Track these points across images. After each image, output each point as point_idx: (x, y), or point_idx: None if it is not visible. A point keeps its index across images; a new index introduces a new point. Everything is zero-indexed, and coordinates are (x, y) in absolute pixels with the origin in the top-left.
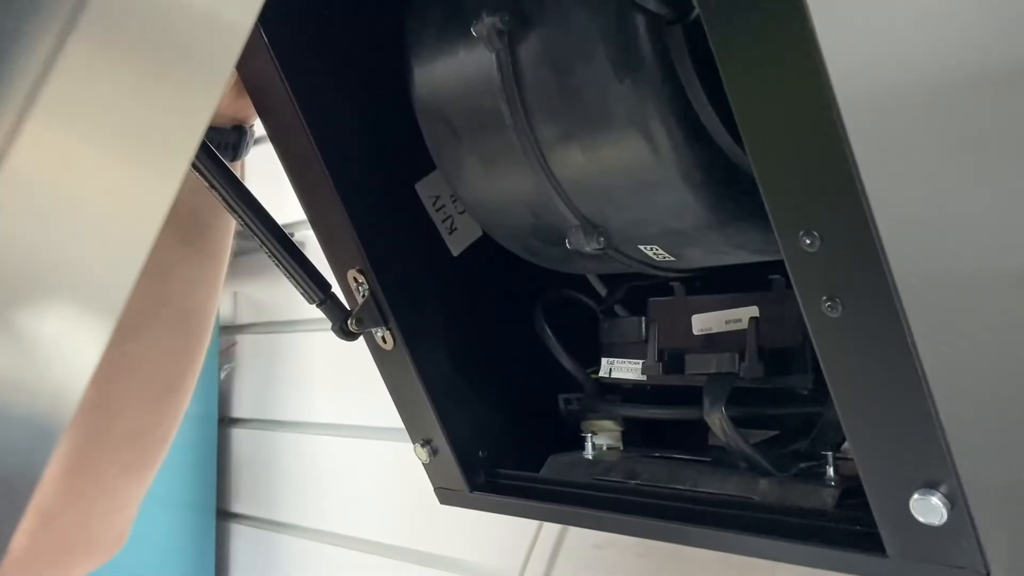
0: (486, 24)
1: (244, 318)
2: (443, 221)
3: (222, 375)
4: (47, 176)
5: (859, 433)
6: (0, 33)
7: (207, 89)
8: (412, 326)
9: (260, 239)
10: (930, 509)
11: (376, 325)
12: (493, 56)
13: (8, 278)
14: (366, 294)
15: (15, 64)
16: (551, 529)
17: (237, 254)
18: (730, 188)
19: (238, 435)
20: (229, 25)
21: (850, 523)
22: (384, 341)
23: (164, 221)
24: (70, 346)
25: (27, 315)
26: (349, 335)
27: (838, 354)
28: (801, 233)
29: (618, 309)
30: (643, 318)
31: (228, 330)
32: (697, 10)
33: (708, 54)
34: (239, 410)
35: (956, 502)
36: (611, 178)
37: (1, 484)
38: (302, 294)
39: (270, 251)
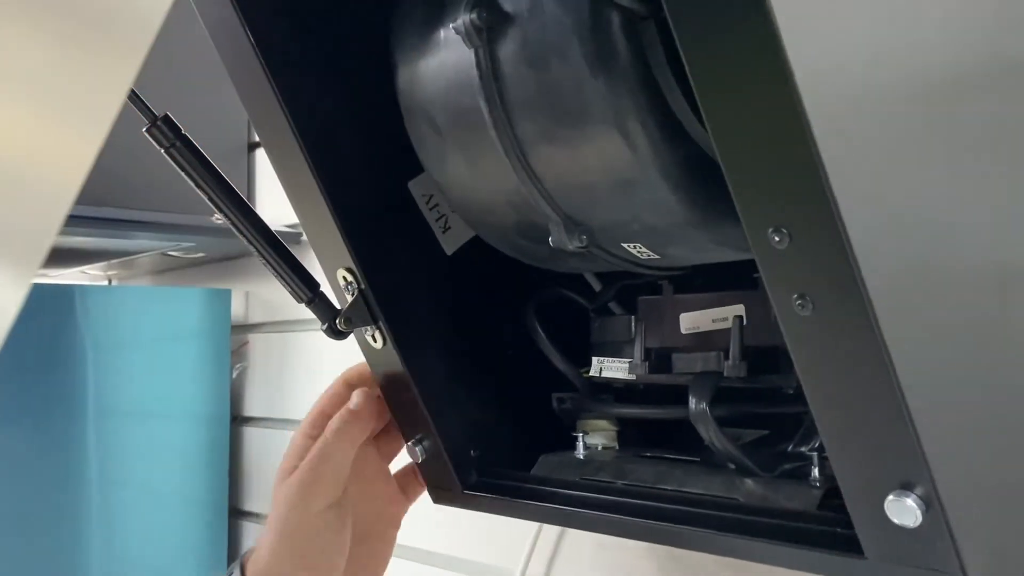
0: (465, 21)
1: (256, 317)
2: (436, 220)
3: (234, 374)
4: None
5: (833, 433)
6: None
7: (130, 50)
8: (402, 325)
9: (247, 238)
10: (904, 511)
11: (365, 324)
12: (472, 53)
13: None
14: (355, 293)
15: None
16: (552, 528)
17: (246, 254)
18: (709, 186)
19: (250, 433)
20: None
21: (831, 524)
22: (374, 340)
23: (82, 181)
24: None
25: None
26: (338, 334)
27: (809, 352)
28: (770, 230)
29: (613, 307)
30: (632, 317)
31: (240, 329)
32: (665, 7)
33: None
34: (251, 409)
35: (931, 504)
36: (590, 176)
37: None
38: (290, 293)
39: (257, 250)
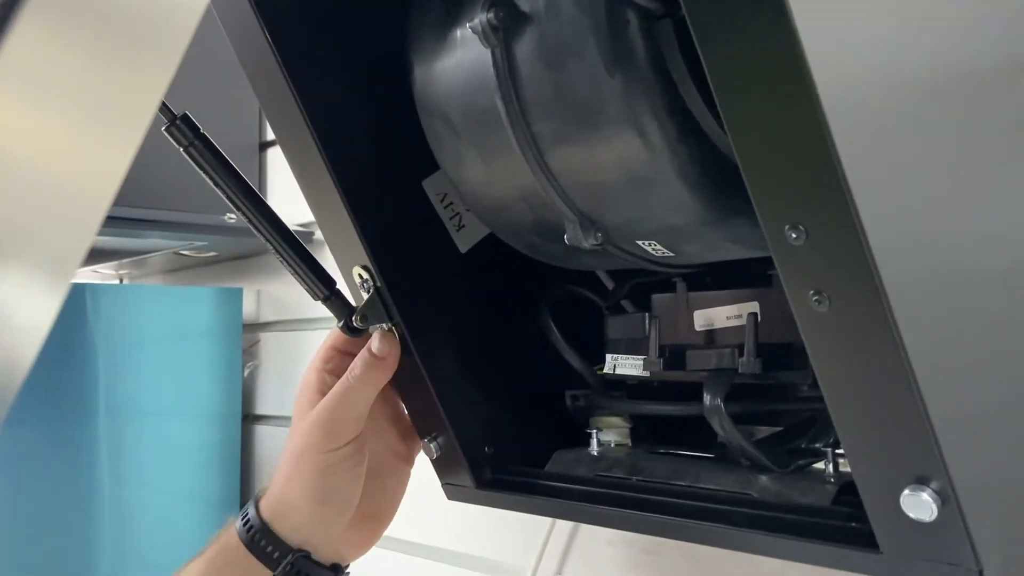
0: (482, 20)
1: (267, 316)
2: (451, 218)
3: (245, 372)
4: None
5: (849, 428)
6: None
7: (164, 60)
8: (417, 322)
9: (265, 236)
10: (920, 505)
11: (381, 321)
12: (489, 53)
13: None
14: (371, 290)
15: None
16: (564, 525)
17: (258, 253)
18: (725, 184)
19: (262, 431)
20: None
21: (846, 519)
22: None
23: (116, 190)
24: (22, 314)
25: None
26: (354, 331)
27: (826, 348)
28: (787, 227)
29: (626, 305)
30: (646, 314)
31: (251, 328)
32: (682, 6)
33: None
34: (263, 407)
35: (947, 498)
36: (606, 174)
37: None
38: (307, 290)
39: (275, 248)
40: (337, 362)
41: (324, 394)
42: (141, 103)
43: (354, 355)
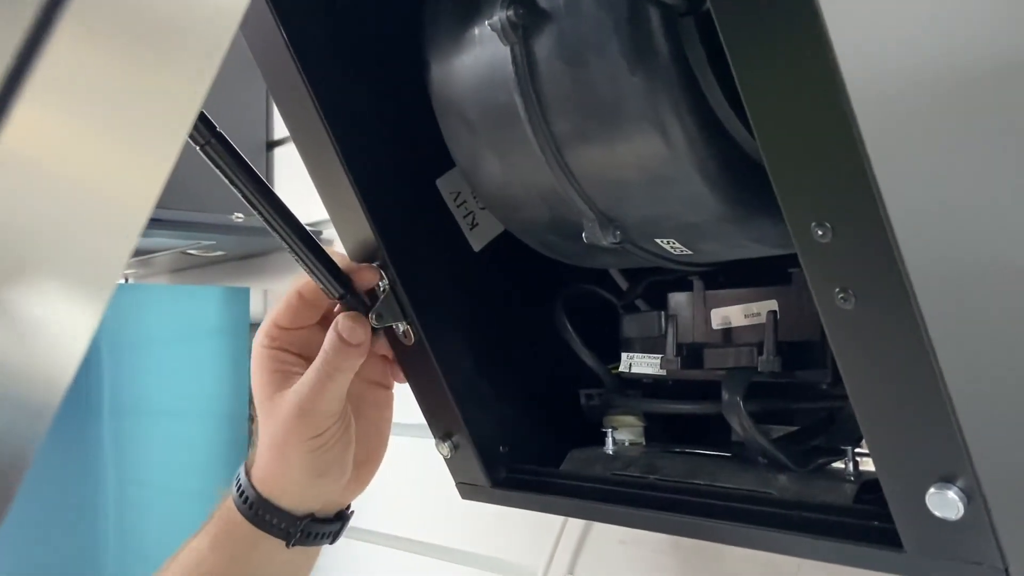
0: (501, 18)
1: None
2: (464, 217)
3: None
4: (40, 155)
5: (874, 427)
6: None
7: (201, 69)
8: (433, 321)
9: (280, 235)
10: (946, 504)
11: (396, 320)
12: (508, 50)
13: (3, 259)
14: (386, 289)
15: (6, 43)
16: (575, 525)
17: (265, 252)
18: (745, 181)
19: None
20: (224, 5)
21: (868, 518)
22: (405, 336)
23: (155, 201)
24: (62, 328)
25: (21, 296)
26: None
27: (852, 346)
28: (813, 224)
29: (639, 304)
30: (662, 313)
31: (258, 328)
32: (708, 1)
33: (721, 46)
34: None
35: (973, 497)
36: (626, 172)
37: None
38: (322, 289)
39: (290, 247)
40: (284, 339)
41: (281, 372)
42: (179, 111)
43: (297, 330)
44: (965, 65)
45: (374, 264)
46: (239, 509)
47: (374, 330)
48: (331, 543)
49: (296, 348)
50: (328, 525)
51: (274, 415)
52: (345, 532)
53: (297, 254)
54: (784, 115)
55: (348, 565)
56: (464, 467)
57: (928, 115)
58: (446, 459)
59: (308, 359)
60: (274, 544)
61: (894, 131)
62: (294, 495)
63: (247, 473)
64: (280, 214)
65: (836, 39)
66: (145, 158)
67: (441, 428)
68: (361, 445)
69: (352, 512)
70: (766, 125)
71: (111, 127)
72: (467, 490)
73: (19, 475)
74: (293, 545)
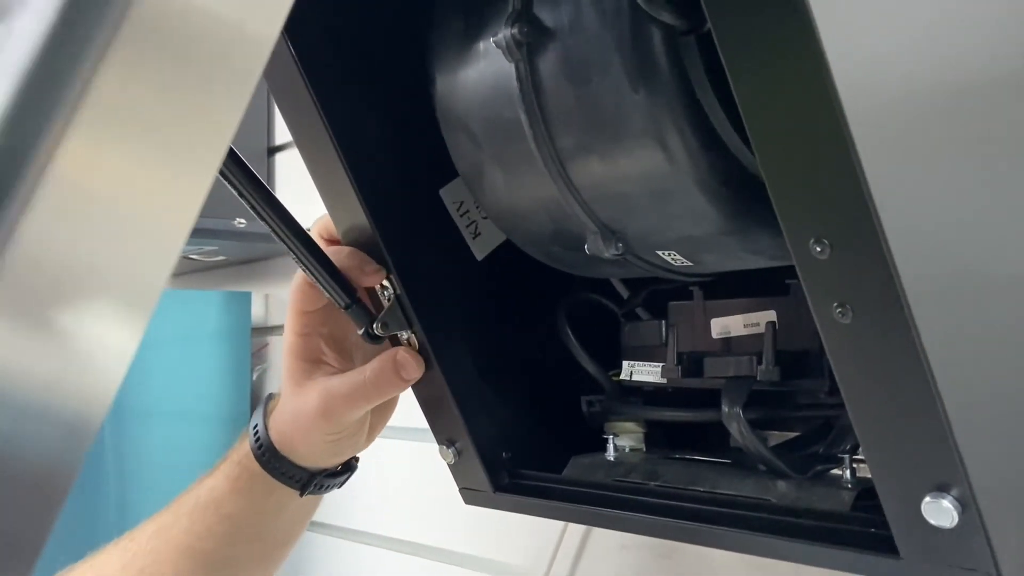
0: (506, 35)
1: (276, 320)
2: (467, 226)
3: (254, 376)
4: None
5: (871, 437)
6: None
7: (236, 97)
8: (437, 329)
9: (288, 245)
10: (941, 512)
11: (401, 328)
12: (513, 67)
13: (50, 280)
14: (391, 298)
15: (63, 73)
16: (576, 529)
17: (267, 257)
18: (745, 196)
19: None
20: (256, 35)
21: (865, 525)
22: (410, 344)
23: (194, 222)
24: (107, 346)
25: (72, 318)
26: (375, 339)
27: (849, 359)
28: (812, 241)
29: (640, 312)
30: (663, 322)
31: (260, 332)
32: (709, 22)
33: (721, 64)
34: None
35: (967, 505)
36: (629, 186)
37: (39, 483)
38: (329, 299)
39: (297, 257)
40: (312, 324)
41: (311, 361)
42: (218, 135)
43: (320, 310)
44: (959, 84)
45: (380, 270)
46: (256, 459)
47: (379, 338)
48: (339, 488)
49: (326, 330)
50: (338, 477)
51: (300, 402)
52: (348, 535)
53: (304, 264)
54: (783, 134)
55: (351, 567)
56: (467, 473)
57: (923, 133)
58: (449, 465)
59: (337, 342)
60: (288, 492)
61: (890, 150)
62: (310, 459)
63: (266, 426)
64: (286, 223)
65: (833, 61)
66: (186, 181)
67: (444, 434)
68: (375, 414)
69: (358, 461)
70: (765, 144)
71: (156, 152)
72: (470, 495)
73: (68, 486)
74: (305, 495)
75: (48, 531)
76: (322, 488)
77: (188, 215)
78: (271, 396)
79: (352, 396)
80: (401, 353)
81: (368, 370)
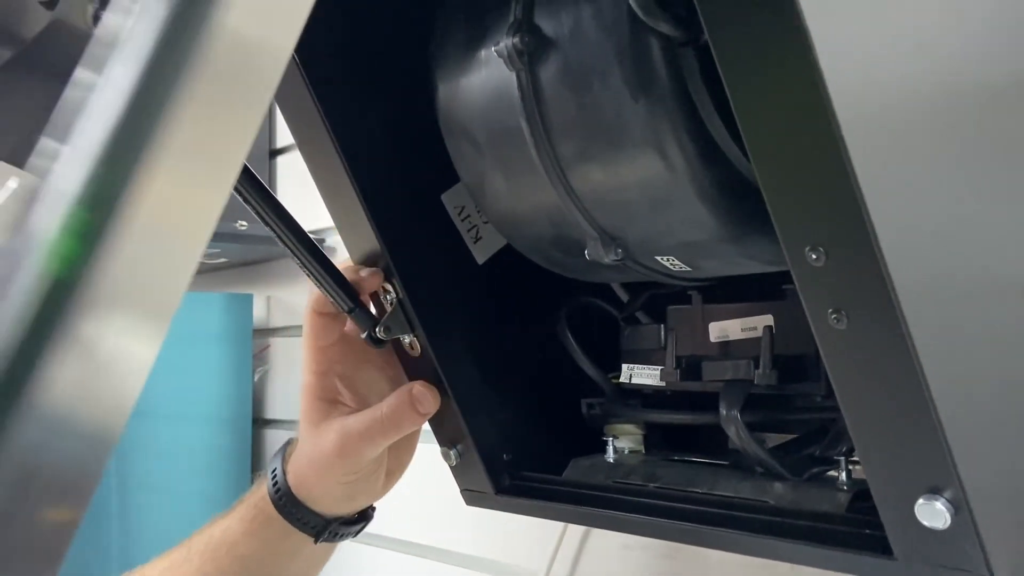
0: (507, 45)
1: (277, 321)
2: (468, 231)
3: (256, 377)
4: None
5: (865, 440)
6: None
7: (256, 111)
8: (438, 333)
9: (291, 250)
10: (934, 514)
11: (403, 332)
12: (514, 76)
13: (85, 294)
14: (394, 302)
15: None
16: (576, 530)
17: (269, 259)
18: (743, 203)
19: (272, 436)
20: (275, 49)
21: (860, 526)
22: (411, 348)
23: (211, 234)
24: (129, 356)
25: (98, 330)
26: (378, 342)
27: (844, 364)
28: (807, 249)
29: (639, 316)
30: (662, 326)
31: (261, 333)
32: (706, 33)
33: (719, 74)
34: (273, 411)
35: (960, 507)
36: (628, 193)
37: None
38: (332, 303)
39: (301, 262)
40: (326, 361)
41: (327, 401)
42: (237, 147)
43: (334, 345)
44: (952, 93)
45: (379, 271)
46: (274, 503)
47: (382, 342)
48: (353, 538)
49: (340, 368)
50: (353, 525)
51: (317, 442)
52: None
53: (307, 268)
54: (779, 144)
55: (353, 568)
56: (469, 474)
57: (916, 141)
58: (451, 467)
59: (352, 382)
60: (303, 537)
61: (884, 160)
62: (326, 506)
63: (284, 471)
64: (290, 228)
65: (827, 70)
66: (207, 194)
67: (446, 436)
68: (392, 458)
69: (374, 511)
70: (762, 153)
71: (188, 169)
72: (472, 497)
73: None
74: (320, 543)
75: (71, 539)
76: (336, 536)
77: (207, 227)
78: (290, 441)
79: (369, 433)
80: (417, 388)
81: (385, 406)
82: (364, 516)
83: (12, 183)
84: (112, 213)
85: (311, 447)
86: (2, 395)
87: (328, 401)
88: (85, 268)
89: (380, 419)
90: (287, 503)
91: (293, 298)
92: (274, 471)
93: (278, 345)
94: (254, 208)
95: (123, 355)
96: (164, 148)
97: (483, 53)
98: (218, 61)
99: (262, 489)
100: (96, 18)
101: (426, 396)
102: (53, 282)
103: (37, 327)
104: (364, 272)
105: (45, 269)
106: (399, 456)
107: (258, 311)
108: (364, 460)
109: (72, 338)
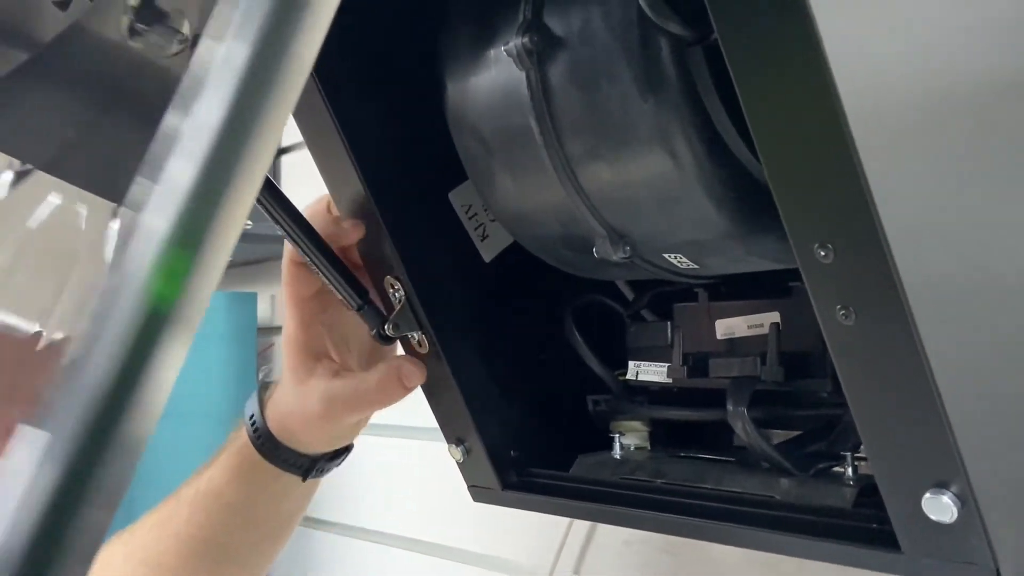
0: (517, 44)
1: (281, 320)
2: (475, 229)
3: (260, 375)
4: None
5: (872, 435)
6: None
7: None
8: (446, 330)
9: (301, 248)
10: (941, 508)
11: (412, 330)
12: (523, 75)
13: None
14: (402, 300)
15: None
16: (581, 526)
17: (273, 258)
18: (750, 202)
19: None
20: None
21: (867, 521)
22: (420, 345)
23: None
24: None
25: (169, 352)
26: (386, 339)
27: (852, 360)
28: (816, 245)
29: (645, 313)
30: (669, 323)
31: (266, 332)
32: (716, 32)
33: (728, 73)
34: None
35: (966, 501)
36: (637, 192)
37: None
38: (341, 301)
39: (311, 259)
40: (310, 313)
41: (317, 357)
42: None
43: (317, 295)
44: (961, 91)
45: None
46: (256, 449)
47: (391, 339)
48: (338, 467)
49: (326, 317)
50: (337, 458)
51: (302, 402)
52: (356, 532)
53: (317, 266)
54: (788, 142)
55: (356, 565)
56: (476, 471)
57: (925, 139)
58: (458, 463)
59: (335, 331)
60: (291, 478)
61: (892, 157)
62: (310, 447)
63: (263, 415)
64: (299, 225)
65: (836, 69)
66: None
67: (454, 433)
68: None
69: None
70: (771, 152)
71: (252, 194)
72: (479, 493)
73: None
74: (308, 479)
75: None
76: (323, 472)
77: (237, 235)
78: (264, 386)
79: (355, 403)
80: (406, 365)
81: (372, 379)
82: (346, 448)
83: (6, 176)
84: (202, 251)
85: (295, 404)
86: (99, 430)
87: (313, 356)
88: (176, 304)
89: (367, 391)
90: (271, 448)
91: None
92: (252, 417)
93: (282, 344)
94: (263, 205)
95: (166, 367)
96: (249, 182)
97: (492, 52)
98: (293, 92)
99: (242, 436)
100: (133, 30)
101: (414, 373)
102: (148, 316)
103: (133, 360)
104: (347, 224)
105: (141, 304)
106: None
107: (262, 310)
108: (347, 422)
109: (156, 368)
